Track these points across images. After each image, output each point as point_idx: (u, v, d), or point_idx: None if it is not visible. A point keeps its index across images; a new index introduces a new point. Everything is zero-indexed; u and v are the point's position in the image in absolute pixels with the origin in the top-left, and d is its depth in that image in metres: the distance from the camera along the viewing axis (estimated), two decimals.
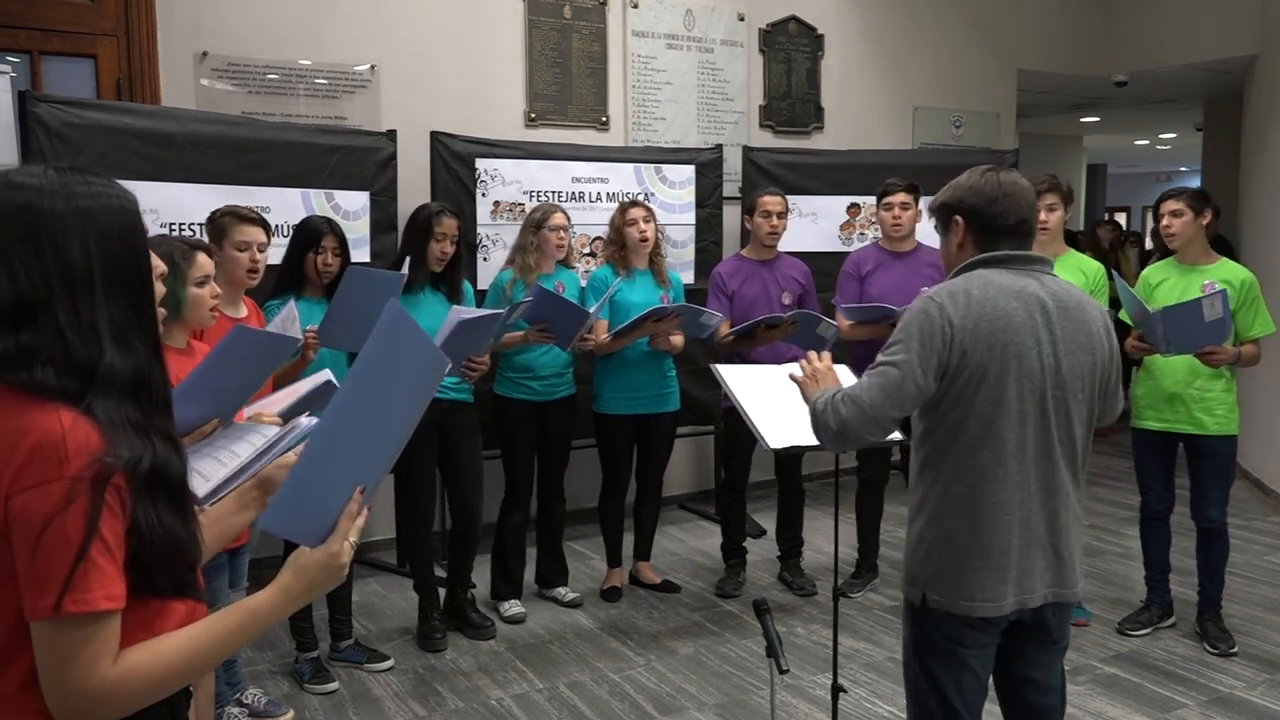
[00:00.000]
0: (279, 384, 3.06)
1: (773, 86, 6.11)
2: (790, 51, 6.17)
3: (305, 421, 1.89)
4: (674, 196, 5.43)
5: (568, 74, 5.44)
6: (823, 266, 5.06)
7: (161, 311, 2.09)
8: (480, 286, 4.56)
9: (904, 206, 4.29)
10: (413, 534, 4.06)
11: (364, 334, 1.29)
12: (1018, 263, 2.10)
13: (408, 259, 3.68)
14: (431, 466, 3.93)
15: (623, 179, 5.30)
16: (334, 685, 3.59)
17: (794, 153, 5.91)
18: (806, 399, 2.24)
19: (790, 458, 4.47)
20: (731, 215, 5.63)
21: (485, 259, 4.97)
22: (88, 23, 4.24)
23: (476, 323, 3.48)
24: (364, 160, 4.61)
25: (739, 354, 4.27)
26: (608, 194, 5.23)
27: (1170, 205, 3.82)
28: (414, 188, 4.74)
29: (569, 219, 4.16)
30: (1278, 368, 4.07)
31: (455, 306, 3.67)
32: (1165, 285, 3.86)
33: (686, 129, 5.80)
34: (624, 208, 4.29)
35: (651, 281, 4.31)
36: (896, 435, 2.99)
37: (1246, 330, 3.72)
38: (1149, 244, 10.63)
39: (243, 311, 3.20)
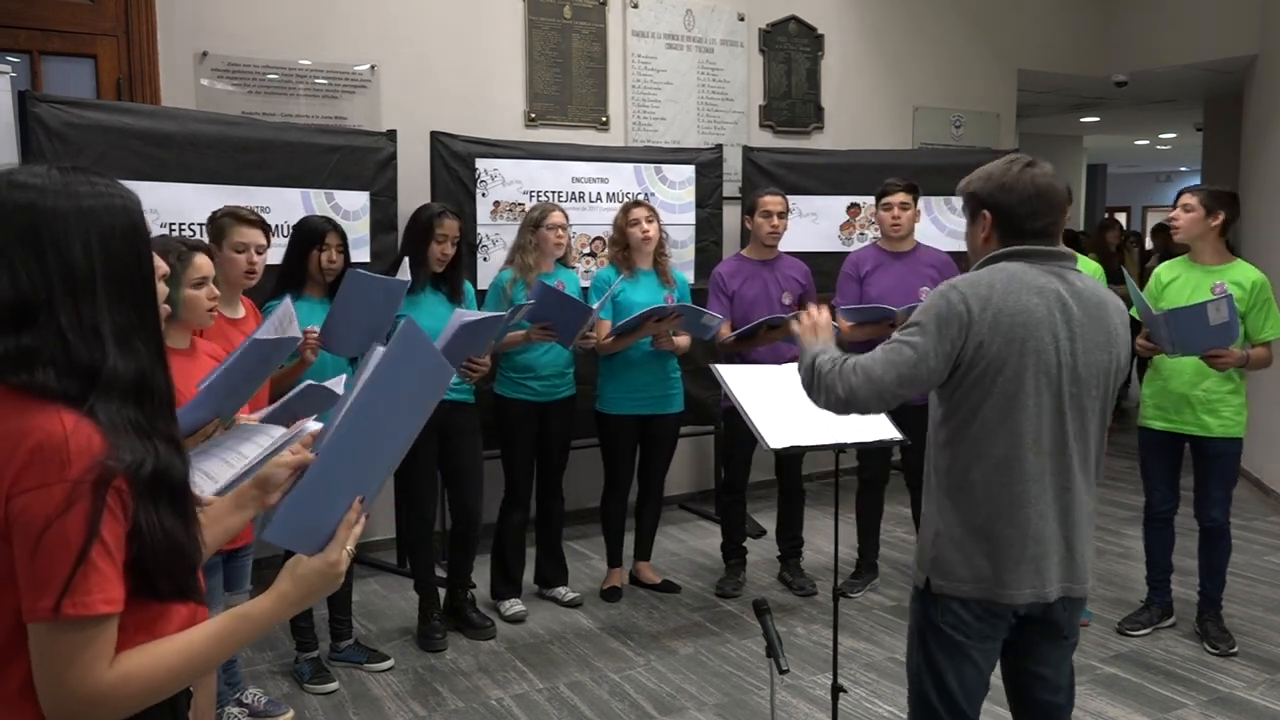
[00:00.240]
0: (276, 387, 3.07)
1: (773, 86, 6.11)
2: (790, 51, 6.17)
3: (310, 425, 1.89)
4: (674, 196, 5.43)
5: (568, 74, 5.44)
6: (823, 266, 5.06)
7: (165, 309, 2.09)
8: (480, 286, 4.56)
9: (903, 206, 4.28)
10: (413, 534, 4.06)
11: (365, 339, 1.30)
12: (1043, 258, 2.10)
13: (405, 260, 3.66)
14: (432, 467, 3.92)
15: (623, 179, 5.30)
16: (334, 685, 3.59)
17: (794, 153, 5.91)
18: (805, 348, 2.26)
19: (790, 458, 4.47)
20: (731, 215, 5.63)
21: (485, 259, 4.97)
22: (88, 23, 4.24)
23: (478, 325, 3.48)
24: (364, 160, 4.61)
25: (739, 354, 4.27)
26: (608, 194, 5.23)
27: (1185, 199, 3.82)
28: (414, 188, 4.74)
29: (567, 218, 4.16)
30: (1277, 368, 4.06)
31: (458, 310, 3.67)
32: (1176, 284, 3.84)
33: (686, 129, 5.80)
34: (627, 208, 4.29)
35: (655, 281, 4.30)
36: (896, 435, 3.00)
37: (1257, 333, 3.69)
38: (1149, 244, 10.64)
39: (240, 312, 3.20)
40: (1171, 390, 3.83)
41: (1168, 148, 14.58)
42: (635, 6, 5.60)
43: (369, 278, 3.19)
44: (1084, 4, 7.52)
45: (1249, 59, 7.08)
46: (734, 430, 4.37)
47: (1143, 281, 4.43)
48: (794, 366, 2.59)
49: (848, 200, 5.83)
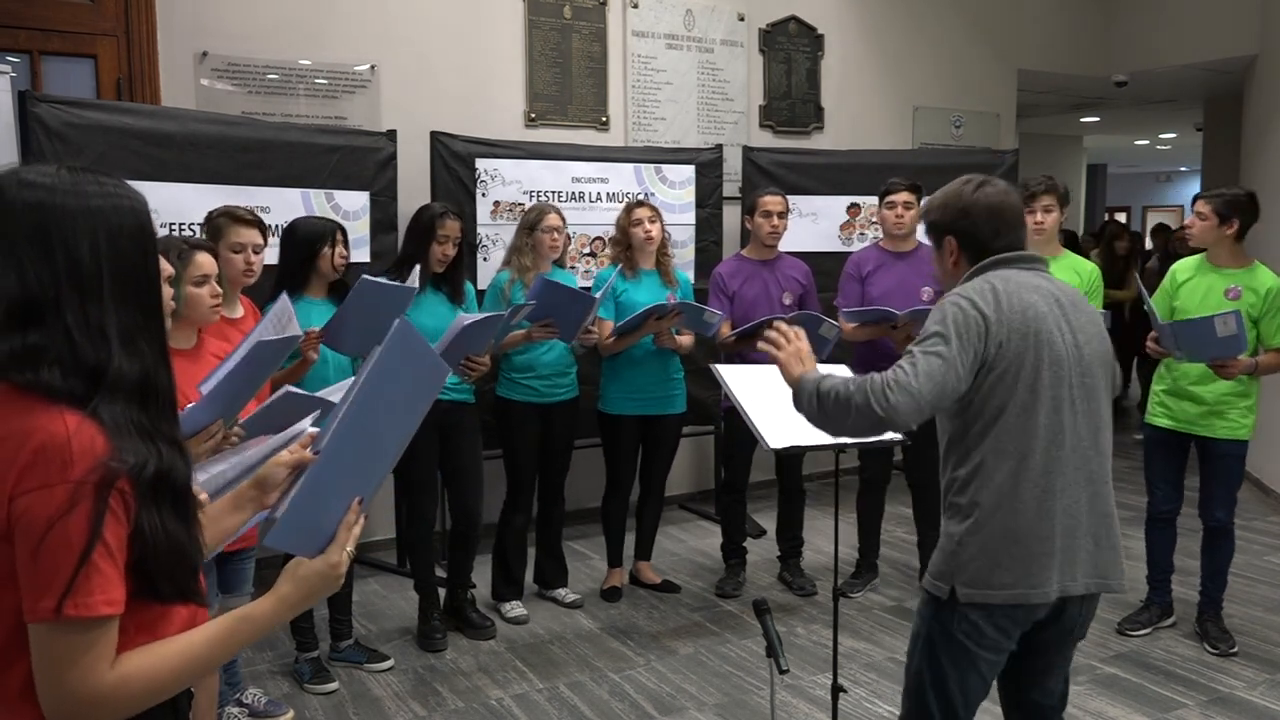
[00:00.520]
0: (277, 388, 3.06)
1: (773, 86, 6.11)
2: (790, 51, 6.16)
3: (308, 426, 1.89)
4: (674, 196, 5.43)
5: (568, 74, 5.44)
6: (823, 266, 5.06)
7: (170, 305, 2.10)
8: (480, 286, 4.56)
9: (906, 206, 4.29)
10: (413, 534, 4.05)
11: (370, 341, 1.30)
12: (1023, 262, 2.16)
13: (418, 267, 3.65)
14: (432, 467, 3.92)
15: (623, 179, 5.30)
16: (334, 685, 3.59)
17: (794, 153, 5.91)
18: (798, 377, 2.16)
19: (790, 458, 4.46)
20: (731, 215, 5.63)
21: (485, 259, 4.97)
22: (88, 23, 4.24)
23: (478, 325, 3.48)
24: (364, 160, 4.61)
25: (740, 354, 4.27)
26: (608, 194, 5.23)
27: (1200, 206, 3.81)
28: (414, 188, 4.73)
29: (563, 219, 4.14)
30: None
31: (460, 314, 3.66)
32: (1190, 284, 3.83)
33: (686, 129, 5.80)
34: (629, 207, 4.28)
35: (658, 281, 4.30)
36: (896, 435, 3.00)
37: (1270, 339, 3.68)
38: (1149, 244, 10.63)
39: (239, 311, 3.19)
40: (1181, 389, 3.82)
41: (1168, 148, 14.58)
42: (635, 6, 5.60)
43: (378, 283, 3.18)
44: (1084, 4, 7.52)
45: (1249, 59, 7.08)
46: (734, 430, 4.37)
47: (1143, 277, 4.43)
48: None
49: (848, 200, 5.83)
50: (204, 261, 2.71)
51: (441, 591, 4.08)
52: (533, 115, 5.35)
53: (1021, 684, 2.24)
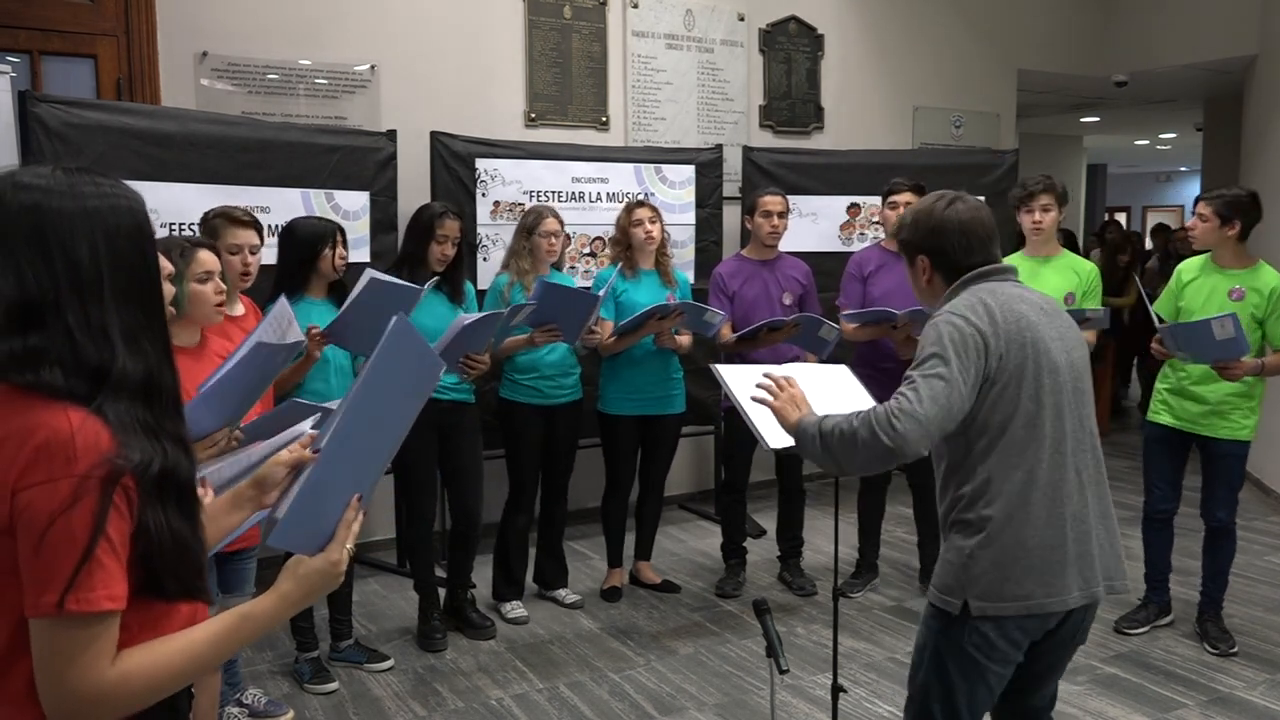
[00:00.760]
0: (280, 387, 3.06)
1: (773, 86, 6.11)
2: (790, 51, 6.16)
3: (307, 426, 1.90)
4: (674, 196, 5.43)
5: (568, 74, 5.44)
6: (823, 266, 5.06)
7: (170, 310, 2.10)
8: (480, 287, 4.56)
9: (909, 206, 4.28)
10: (413, 534, 4.05)
11: (377, 339, 1.30)
12: (999, 275, 2.17)
13: (434, 278, 3.64)
14: (432, 467, 3.92)
15: (623, 179, 5.30)
16: (334, 685, 3.59)
17: (794, 153, 5.91)
18: (797, 422, 2.14)
19: (790, 458, 4.46)
20: (731, 215, 5.63)
21: (485, 259, 4.97)
22: (88, 23, 4.24)
23: (477, 324, 3.48)
24: (364, 160, 4.61)
25: (740, 354, 4.27)
26: (608, 194, 5.23)
27: (1201, 208, 3.81)
28: (414, 188, 4.73)
29: (562, 222, 4.13)
30: None
31: (460, 314, 3.66)
32: (1194, 284, 3.84)
33: (686, 129, 5.80)
34: (630, 207, 4.28)
35: (658, 281, 4.30)
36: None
37: (1277, 339, 3.66)
38: (1149, 244, 10.64)
39: (240, 309, 3.19)
40: (1184, 389, 3.82)
41: (1168, 148, 14.58)
42: (635, 6, 5.60)
43: (389, 283, 3.17)
44: (1084, 4, 7.52)
45: (1249, 59, 7.08)
46: (734, 430, 4.37)
47: (1143, 278, 4.43)
48: (794, 366, 2.59)
49: (848, 200, 5.83)
50: (207, 258, 2.71)
51: (441, 591, 4.08)
52: (533, 115, 5.35)
53: (1024, 690, 2.23)
